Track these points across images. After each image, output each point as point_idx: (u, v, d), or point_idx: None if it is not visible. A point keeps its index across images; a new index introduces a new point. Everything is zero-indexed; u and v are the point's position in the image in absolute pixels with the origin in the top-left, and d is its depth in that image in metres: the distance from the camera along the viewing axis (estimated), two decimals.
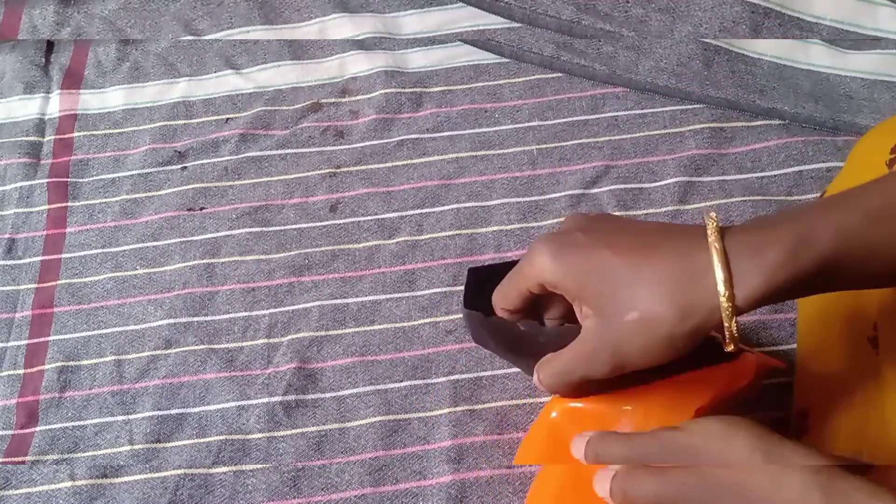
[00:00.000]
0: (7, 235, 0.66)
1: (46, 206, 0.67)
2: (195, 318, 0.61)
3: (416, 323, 0.59)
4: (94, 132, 0.71)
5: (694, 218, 0.62)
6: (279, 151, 0.68)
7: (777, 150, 0.64)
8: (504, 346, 0.43)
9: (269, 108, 0.70)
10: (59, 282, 0.64)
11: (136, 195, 0.67)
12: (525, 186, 0.65)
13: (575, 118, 0.67)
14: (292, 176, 0.67)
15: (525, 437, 0.46)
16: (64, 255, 0.65)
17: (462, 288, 0.44)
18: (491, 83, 0.70)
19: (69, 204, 0.67)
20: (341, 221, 0.64)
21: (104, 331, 0.61)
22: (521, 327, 0.41)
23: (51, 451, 0.57)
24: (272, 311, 0.61)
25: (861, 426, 0.43)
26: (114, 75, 0.74)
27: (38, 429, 0.58)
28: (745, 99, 0.66)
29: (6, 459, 0.56)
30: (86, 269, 0.64)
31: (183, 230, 0.65)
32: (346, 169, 0.67)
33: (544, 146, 0.66)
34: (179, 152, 0.69)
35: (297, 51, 0.73)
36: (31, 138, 0.70)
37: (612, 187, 0.64)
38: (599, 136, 0.66)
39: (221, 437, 0.56)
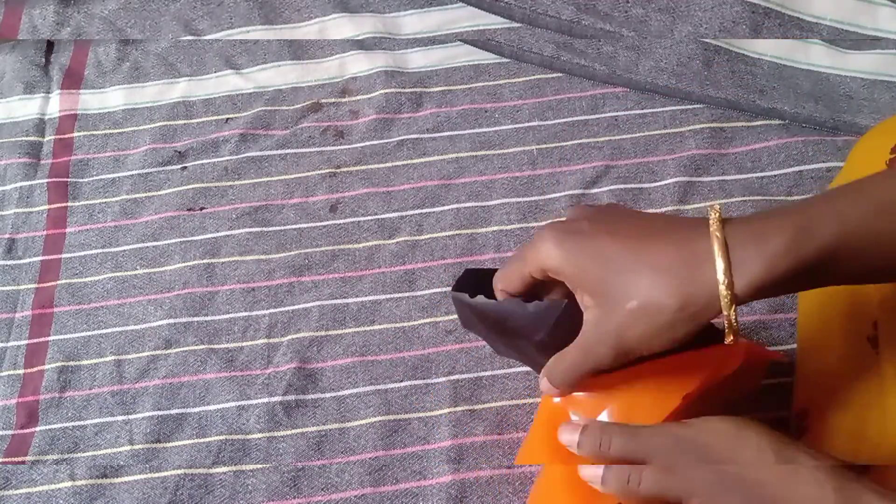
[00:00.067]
0: (7, 235, 0.66)
1: (46, 206, 0.67)
2: (195, 318, 0.61)
3: (416, 323, 0.59)
4: (94, 132, 0.71)
5: None
6: (279, 151, 0.68)
7: (777, 150, 0.64)
8: (489, 325, 0.42)
9: (269, 108, 0.70)
10: (59, 282, 0.64)
11: (136, 195, 0.67)
12: (525, 186, 0.65)
13: (575, 118, 0.67)
14: (292, 176, 0.67)
15: (525, 437, 0.46)
16: (64, 255, 0.65)
17: None
18: (491, 83, 0.70)
19: (69, 204, 0.67)
20: (341, 221, 0.64)
21: (104, 331, 0.61)
22: (505, 305, 0.41)
23: (51, 451, 0.57)
24: (272, 311, 0.61)
25: (861, 426, 0.43)
26: (114, 75, 0.74)
27: (38, 429, 0.58)
28: (745, 99, 0.66)
29: (6, 459, 0.56)
30: (86, 269, 0.64)
31: (183, 230, 0.65)
32: (346, 169, 0.67)
33: (544, 146, 0.66)
34: (179, 152, 0.69)
35: (297, 51, 0.73)
36: (31, 138, 0.70)
37: (612, 187, 0.64)
38: (599, 136, 0.66)
39: (221, 437, 0.56)
